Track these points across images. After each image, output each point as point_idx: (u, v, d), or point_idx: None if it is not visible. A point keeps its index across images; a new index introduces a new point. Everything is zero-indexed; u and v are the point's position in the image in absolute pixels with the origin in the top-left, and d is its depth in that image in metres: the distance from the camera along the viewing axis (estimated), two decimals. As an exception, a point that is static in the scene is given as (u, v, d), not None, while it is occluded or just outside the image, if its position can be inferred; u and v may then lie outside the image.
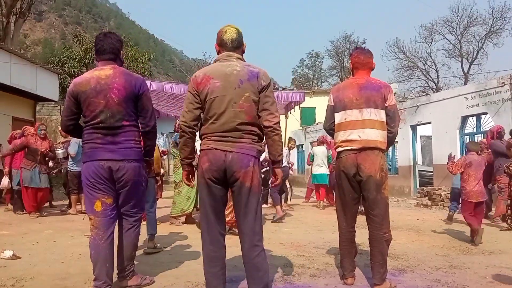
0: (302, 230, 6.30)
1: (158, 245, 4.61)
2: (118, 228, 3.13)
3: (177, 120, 7.06)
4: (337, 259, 4.06)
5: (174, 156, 6.85)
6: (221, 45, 2.75)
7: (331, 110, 3.45)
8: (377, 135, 3.19)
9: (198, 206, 6.62)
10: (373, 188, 3.17)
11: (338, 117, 3.38)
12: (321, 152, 9.81)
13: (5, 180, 7.78)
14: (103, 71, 2.96)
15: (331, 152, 9.56)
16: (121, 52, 3.17)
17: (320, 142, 10.15)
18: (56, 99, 15.18)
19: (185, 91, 10.72)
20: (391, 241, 3.27)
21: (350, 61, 3.51)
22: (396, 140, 13.89)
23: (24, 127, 8.09)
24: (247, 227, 2.62)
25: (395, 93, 22.42)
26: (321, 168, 9.67)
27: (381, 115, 3.22)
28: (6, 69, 11.19)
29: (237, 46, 2.75)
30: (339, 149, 3.36)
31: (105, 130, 2.91)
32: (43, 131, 7.75)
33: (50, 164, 8.04)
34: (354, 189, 3.30)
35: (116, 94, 2.90)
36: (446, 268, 3.94)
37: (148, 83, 10.40)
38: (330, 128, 3.49)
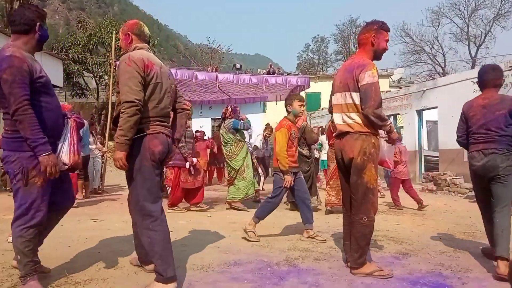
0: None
1: None
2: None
3: (228, 106, 7.06)
4: (340, 243, 4.07)
5: (227, 143, 6.76)
6: (140, 37, 3.01)
7: (331, 94, 3.49)
8: (352, 118, 3.16)
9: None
10: (353, 171, 3.18)
11: (332, 101, 3.45)
12: (324, 138, 9.99)
13: None
14: None
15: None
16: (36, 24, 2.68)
17: (323, 130, 10.50)
18: (61, 85, 15.20)
19: (189, 76, 10.67)
20: (371, 227, 3.18)
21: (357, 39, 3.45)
22: (401, 124, 13.74)
23: None
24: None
25: (401, 78, 22.14)
26: (325, 155, 9.86)
27: (353, 98, 3.16)
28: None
29: (149, 41, 3.13)
30: (334, 134, 3.45)
31: None
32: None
33: None
34: (344, 174, 3.36)
35: None
36: (450, 252, 3.95)
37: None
38: (330, 111, 3.55)
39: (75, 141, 2.84)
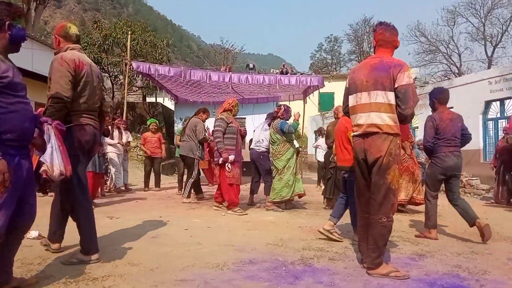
0: (321, 215, 6.30)
1: None
2: None
3: (281, 105, 7.01)
4: (355, 243, 4.05)
5: (275, 142, 6.71)
6: (66, 38, 3.35)
7: (346, 93, 3.44)
8: (383, 119, 3.11)
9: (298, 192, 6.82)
10: (376, 172, 3.14)
11: (351, 100, 3.35)
12: (322, 141, 10.22)
13: None
14: None
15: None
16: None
17: (321, 133, 10.97)
18: (77, 85, 15.36)
19: (201, 77, 10.73)
20: (390, 228, 3.17)
21: (373, 38, 3.37)
22: (417, 125, 13.62)
23: None
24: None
25: (415, 78, 21.99)
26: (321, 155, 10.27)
27: (389, 97, 3.11)
28: (28, 55, 11.39)
29: (79, 40, 3.42)
30: (352, 134, 3.38)
31: None
32: None
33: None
34: (364, 175, 3.31)
35: None
36: (467, 253, 3.90)
37: (166, 69, 10.51)
38: (346, 111, 3.49)
39: (64, 150, 2.72)
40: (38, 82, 12.73)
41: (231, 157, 6.23)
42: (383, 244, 3.14)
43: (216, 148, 6.31)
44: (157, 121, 10.92)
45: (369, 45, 38.21)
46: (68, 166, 2.71)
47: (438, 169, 4.70)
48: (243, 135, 6.69)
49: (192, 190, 7.76)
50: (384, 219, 3.11)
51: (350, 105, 3.37)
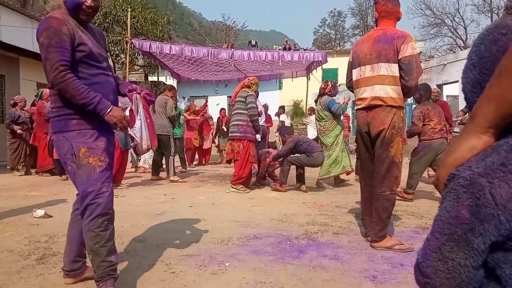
0: (324, 191, 6.33)
1: None
2: None
3: (328, 81, 6.90)
4: (359, 217, 4.07)
5: (323, 119, 6.62)
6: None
7: (350, 67, 3.39)
8: (387, 92, 3.08)
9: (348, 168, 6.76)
10: (379, 145, 3.13)
11: (355, 74, 3.32)
12: (313, 118, 10.10)
13: None
14: None
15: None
16: None
17: (312, 112, 10.73)
18: (78, 64, 15.27)
19: (204, 54, 10.61)
20: (394, 200, 3.19)
21: (375, 9, 3.29)
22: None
23: None
24: None
25: (420, 52, 21.69)
26: (310, 133, 10.33)
27: (393, 69, 3.06)
28: (28, 34, 11.27)
29: None
30: (355, 107, 3.36)
31: None
32: None
33: None
34: (368, 148, 3.31)
35: None
36: (471, 226, 3.91)
37: (167, 46, 10.39)
38: (349, 85, 3.46)
39: (152, 123, 2.57)
40: (38, 62, 12.63)
41: (258, 137, 6.16)
42: (387, 217, 3.15)
43: (251, 125, 6.03)
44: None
45: (374, 19, 37.58)
46: (154, 140, 2.57)
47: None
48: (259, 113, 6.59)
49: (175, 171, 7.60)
50: (387, 192, 3.11)
51: (353, 79, 3.34)
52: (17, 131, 8.31)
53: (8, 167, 8.75)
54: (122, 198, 5.39)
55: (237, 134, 6.06)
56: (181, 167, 9.06)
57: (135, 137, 2.41)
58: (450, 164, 0.79)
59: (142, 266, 2.71)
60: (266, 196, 5.72)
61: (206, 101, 13.06)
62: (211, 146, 11.65)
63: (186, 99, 21.00)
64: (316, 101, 6.95)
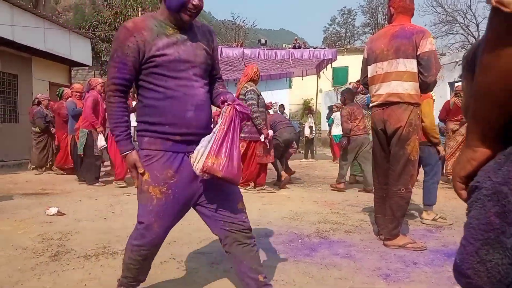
0: (336, 190, 6.30)
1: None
2: None
3: (359, 80, 6.86)
4: (371, 216, 4.05)
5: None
6: None
7: (365, 63, 3.35)
8: (405, 88, 3.03)
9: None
10: (395, 142, 3.09)
11: (370, 70, 3.28)
12: (338, 115, 10.01)
13: (102, 140, 6.36)
14: None
15: None
16: None
17: (338, 108, 10.51)
18: (90, 64, 15.38)
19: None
20: (408, 199, 3.15)
21: (390, 5, 3.24)
22: (433, 97, 13.10)
23: (89, 79, 7.16)
24: None
25: (432, 49, 21.37)
26: (337, 129, 10.17)
27: (411, 65, 3.02)
28: (40, 34, 11.37)
29: None
30: (371, 104, 3.31)
31: None
32: None
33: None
34: (383, 146, 3.26)
35: None
36: (485, 225, 3.86)
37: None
38: (364, 82, 3.42)
39: (228, 140, 1.86)
40: (51, 62, 12.78)
41: (270, 132, 5.84)
42: (401, 215, 3.12)
43: (253, 124, 5.61)
44: None
45: (384, 17, 37.22)
46: (213, 162, 1.81)
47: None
48: (268, 108, 6.39)
49: None
50: (402, 190, 3.08)
51: (369, 75, 3.29)
52: (52, 131, 8.24)
53: (32, 166, 8.67)
54: (133, 196, 5.41)
55: (241, 135, 5.78)
56: None
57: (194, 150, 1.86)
58: (456, 174, 0.90)
59: (155, 263, 2.70)
60: (277, 195, 5.71)
61: None
62: None
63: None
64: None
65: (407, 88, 3.03)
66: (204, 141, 1.86)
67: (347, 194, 5.75)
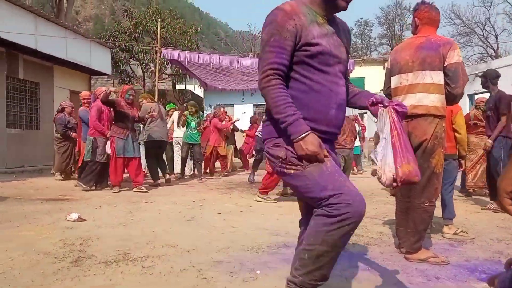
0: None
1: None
2: None
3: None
4: (391, 229, 4.00)
5: None
6: None
7: (388, 74, 3.33)
8: (431, 100, 2.99)
9: None
10: (420, 155, 3.02)
11: (394, 81, 3.24)
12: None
13: (108, 147, 6.63)
14: None
15: (360, 128, 11.03)
16: None
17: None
18: (109, 73, 15.69)
19: (231, 63, 10.67)
20: (432, 212, 3.10)
21: (415, 16, 3.21)
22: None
23: (96, 88, 7.62)
24: None
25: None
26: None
27: (438, 77, 2.98)
28: (62, 44, 11.65)
29: None
30: None
31: None
32: (131, 96, 6.84)
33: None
34: None
35: None
36: (508, 240, 3.77)
37: (196, 55, 10.54)
38: (387, 93, 3.38)
39: (405, 142, 1.83)
40: (72, 70, 13.05)
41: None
42: (424, 229, 3.07)
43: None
44: (176, 106, 10.88)
45: (401, 28, 37.07)
46: (409, 169, 1.79)
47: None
48: None
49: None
50: (426, 203, 3.03)
51: (392, 86, 3.26)
52: (73, 136, 8.37)
53: (52, 171, 8.87)
54: (152, 204, 5.47)
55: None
56: (179, 174, 9.21)
57: (375, 160, 1.80)
58: (503, 190, 0.91)
59: (174, 271, 2.73)
60: (294, 205, 5.67)
61: (224, 109, 12.53)
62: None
63: (212, 107, 21.19)
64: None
65: (434, 100, 2.99)
66: (379, 148, 1.80)
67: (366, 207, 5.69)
